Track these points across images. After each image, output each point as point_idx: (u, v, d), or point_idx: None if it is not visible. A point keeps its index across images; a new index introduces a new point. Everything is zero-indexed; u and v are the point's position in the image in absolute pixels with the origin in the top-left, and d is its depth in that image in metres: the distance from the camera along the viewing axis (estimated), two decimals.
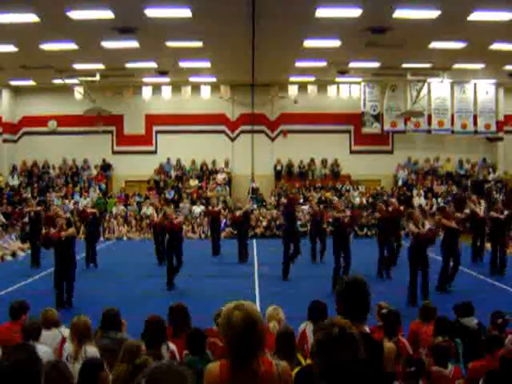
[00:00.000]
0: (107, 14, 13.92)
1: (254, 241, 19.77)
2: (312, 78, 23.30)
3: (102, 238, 19.89)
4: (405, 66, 20.44)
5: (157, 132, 25.08)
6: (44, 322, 6.08)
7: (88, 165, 25.07)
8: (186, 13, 14.04)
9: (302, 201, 22.07)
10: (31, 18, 13.96)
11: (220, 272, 14.55)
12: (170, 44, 17.13)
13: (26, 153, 24.80)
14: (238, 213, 16.94)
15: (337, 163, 24.90)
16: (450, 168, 25.04)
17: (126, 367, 4.12)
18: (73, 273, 10.73)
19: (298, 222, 16.91)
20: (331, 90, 24.21)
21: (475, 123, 24.49)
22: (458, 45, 17.17)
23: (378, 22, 14.98)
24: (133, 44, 16.89)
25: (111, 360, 4.43)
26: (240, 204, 18.29)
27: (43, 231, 11.34)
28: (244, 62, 19.84)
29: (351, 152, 25.09)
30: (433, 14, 14.10)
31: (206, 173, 24.96)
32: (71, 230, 10.86)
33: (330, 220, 14.75)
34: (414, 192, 23.63)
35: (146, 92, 24.19)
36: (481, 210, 15.18)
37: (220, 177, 24.59)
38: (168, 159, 25.00)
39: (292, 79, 23.62)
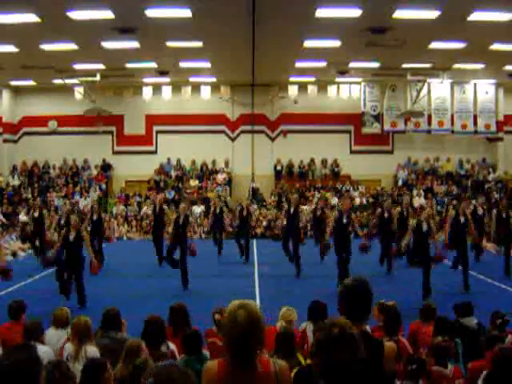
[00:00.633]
0: (107, 14, 13.93)
1: (254, 241, 19.76)
2: (312, 78, 23.30)
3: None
4: (405, 66, 20.44)
5: (157, 132, 25.09)
6: (54, 321, 6.09)
7: (88, 165, 25.08)
8: (186, 13, 14.05)
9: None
10: (32, 18, 13.97)
11: (220, 272, 14.56)
12: (170, 44, 17.14)
13: (26, 153, 24.80)
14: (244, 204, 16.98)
15: (337, 163, 24.91)
16: (450, 168, 25.04)
17: (126, 367, 4.13)
18: (80, 272, 10.71)
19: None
20: (331, 90, 24.20)
21: (475, 123, 24.49)
22: (458, 45, 17.17)
23: (378, 22, 14.98)
24: (133, 44, 16.90)
25: (111, 360, 4.44)
26: (242, 203, 18.24)
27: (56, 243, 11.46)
28: (244, 62, 19.83)
29: (351, 152, 25.10)
30: (433, 14, 14.11)
31: (206, 173, 24.96)
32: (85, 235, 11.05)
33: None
34: (414, 192, 23.61)
35: (147, 92, 24.18)
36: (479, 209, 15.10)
37: (220, 177, 24.59)
38: (168, 159, 25.01)
39: (292, 79, 23.62)
